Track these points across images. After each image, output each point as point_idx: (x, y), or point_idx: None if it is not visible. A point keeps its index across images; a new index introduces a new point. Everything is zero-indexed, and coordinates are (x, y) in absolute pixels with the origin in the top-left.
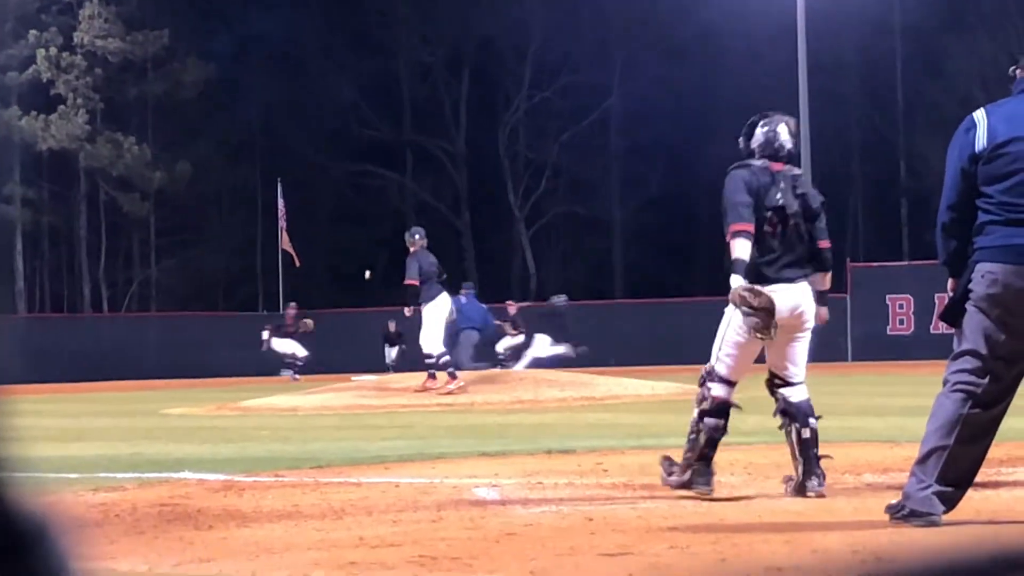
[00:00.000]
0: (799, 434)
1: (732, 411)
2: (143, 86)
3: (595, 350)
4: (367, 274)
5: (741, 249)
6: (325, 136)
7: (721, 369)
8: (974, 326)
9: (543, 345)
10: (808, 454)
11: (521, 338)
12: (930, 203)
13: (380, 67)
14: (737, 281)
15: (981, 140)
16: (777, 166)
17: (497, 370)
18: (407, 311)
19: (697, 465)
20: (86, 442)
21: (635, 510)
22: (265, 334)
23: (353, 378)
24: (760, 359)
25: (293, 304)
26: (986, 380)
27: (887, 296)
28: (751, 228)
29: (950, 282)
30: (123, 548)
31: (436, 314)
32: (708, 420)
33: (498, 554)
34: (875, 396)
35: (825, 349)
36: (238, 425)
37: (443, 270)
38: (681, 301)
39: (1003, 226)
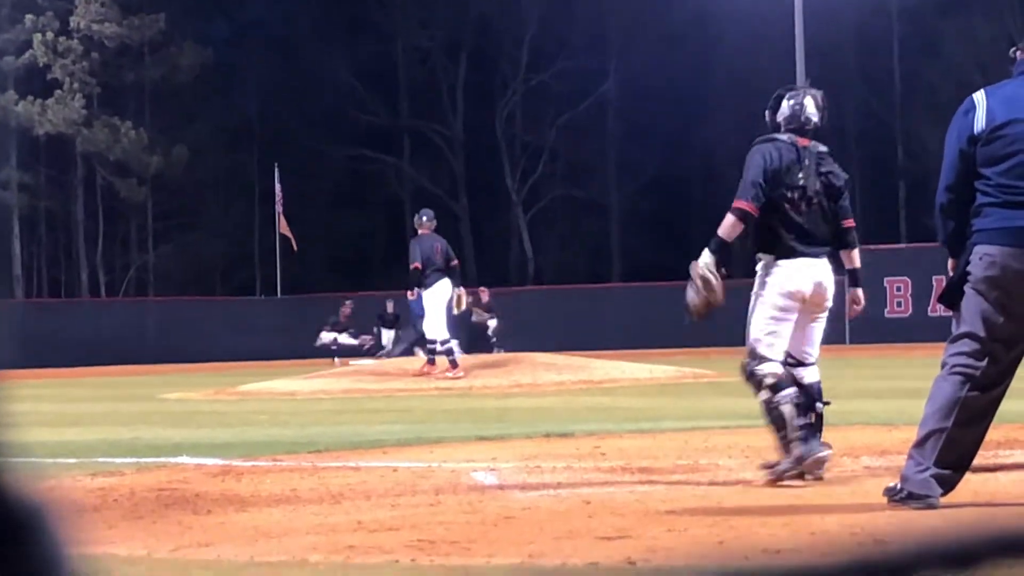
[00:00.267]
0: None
1: (731, 395)
2: (140, 71)
3: (593, 333)
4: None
5: (730, 228)
6: (322, 121)
7: (765, 351)
8: (972, 308)
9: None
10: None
11: (495, 321)
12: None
13: (377, 52)
14: (706, 257)
15: (980, 122)
16: (803, 141)
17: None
18: (410, 294)
19: (802, 433)
20: (84, 427)
21: (633, 494)
22: (326, 336)
23: (351, 362)
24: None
25: (348, 302)
26: (984, 363)
27: (885, 279)
28: (753, 211)
29: (950, 262)
30: (121, 533)
31: (434, 300)
32: (782, 393)
33: (496, 538)
34: (873, 379)
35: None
36: (236, 410)
37: (452, 255)
38: (679, 284)
39: (1001, 208)
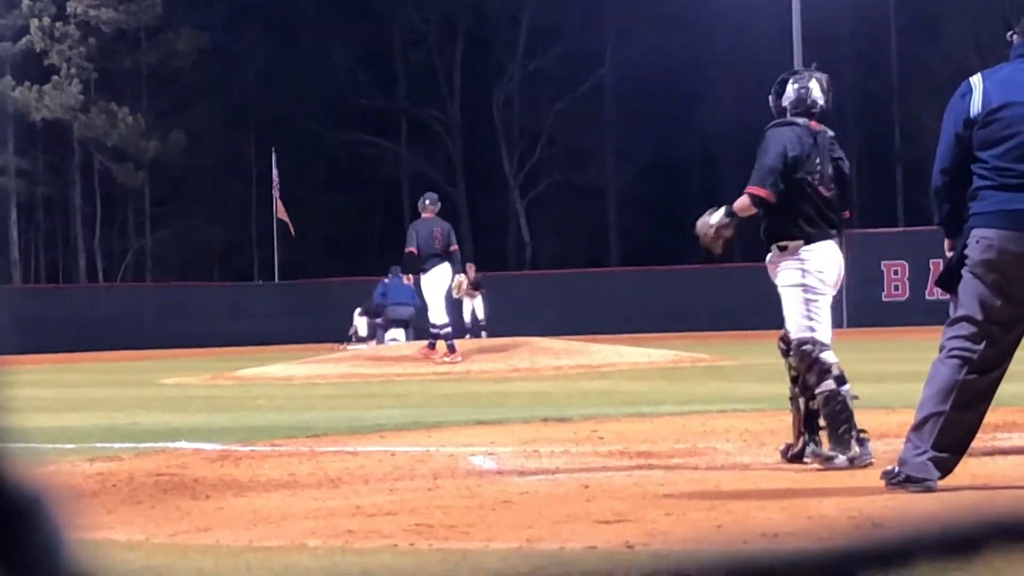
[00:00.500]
0: (807, 405)
1: (728, 379)
2: (137, 56)
3: (591, 318)
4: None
5: (744, 208)
6: (319, 105)
7: (823, 337)
8: (970, 292)
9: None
10: (813, 425)
11: (480, 299)
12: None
13: (374, 35)
14: (719, 214)
15: (976, 105)
16: (815, 126)
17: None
18: (405, 279)
19: (858, 434)
20: (82, 412)
21: (631, 477)
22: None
23: (348, 347)
24: (773, 324)
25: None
26: (982, 346)
27: (882, 262)
28: (770, 197)
29: (947, 242)
30: (120, 518)
31: (434, 285)
32: (846, 387)
33: (494, 522)
34: (870, 362)
35: None
36: (234, 395)
37: (453, 240)
38: (676, 269)
39: (998, 191)
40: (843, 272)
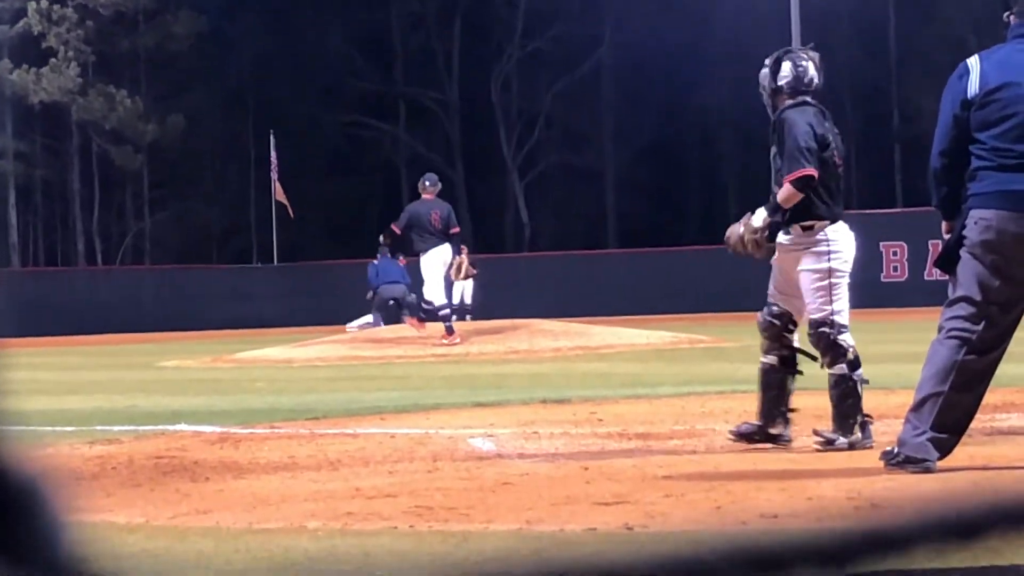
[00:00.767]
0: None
1: (727, 360)
2: (135, 39)
3: (589, 299)
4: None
5: (793, 197)
6: (317, 88)
7: (844, 319)
8: (968, 273)
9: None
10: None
11: (470, 283)
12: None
13: (372, 17)
14: (761, 215)
15: (974, 86)
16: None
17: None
18: (378, 257)
19: (862, 419)
20: (82, 395)
21: (630, 459)
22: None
23: (347, 327)
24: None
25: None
26: (981, 326)
27: (881, 243)
28: (816, 174)
29: (944, 224)
30: (120, 501)
31: (432, 266)
32: (859, 371)
33: (494, 504)
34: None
35: None
36: (234, 377)
37: (454, 223)
38: (674, 250)
39: (996, 172)
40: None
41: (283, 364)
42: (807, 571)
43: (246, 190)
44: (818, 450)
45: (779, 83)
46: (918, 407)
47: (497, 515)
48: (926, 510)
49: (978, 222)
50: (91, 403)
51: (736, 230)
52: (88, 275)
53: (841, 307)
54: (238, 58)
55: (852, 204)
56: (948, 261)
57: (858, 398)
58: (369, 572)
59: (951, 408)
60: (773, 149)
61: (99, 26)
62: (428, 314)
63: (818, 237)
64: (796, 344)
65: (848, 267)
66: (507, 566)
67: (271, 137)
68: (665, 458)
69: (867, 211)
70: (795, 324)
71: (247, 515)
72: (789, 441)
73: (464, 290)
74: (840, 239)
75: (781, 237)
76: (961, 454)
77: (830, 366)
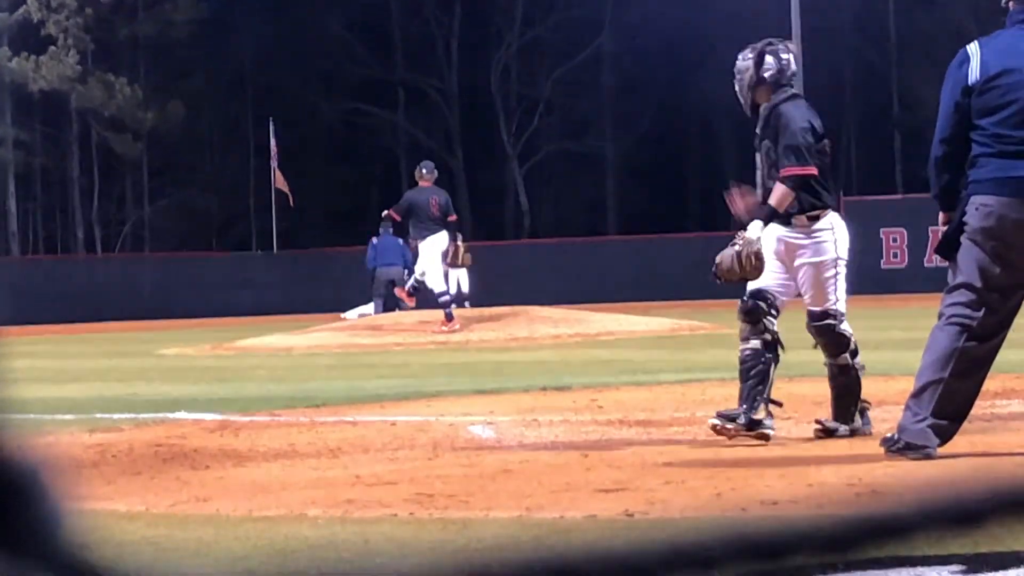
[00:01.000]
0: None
1: (727, 347)
2: (134, 26)
3: (589, 286)
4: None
5: (787, 198)
6: (317, 75)
7: (842, 307)
8: (969, 259)
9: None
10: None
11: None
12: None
13: (371, 4)
14: (758, 230)
15: (974, 73)
16: None
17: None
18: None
19: (861, 406)
20: (81, 383)
21: (630, 446)
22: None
23: (345, 316)
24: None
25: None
26: (981, 313)
27: (881, 229)
28: (815, 172)
29: (941, 216)
30: (120, 489)
31: (430, 253)
32: (859, 360)
33: (494, 491)
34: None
35: None
36: (233, 365)
37: (451, 210)
38: (674, 237)
39: (996, 158)
40: None
41: (283, 352)
42: (808, 558)
43: (246, 177)
44: (819, 437)
45: (763, 74)
46: (918, 394)
47: (497, 502)
48: (926, 497)
49: (979, 208)
50: (91, 391)
51: (729, 253)
52: (88, 263)
53: (841, 295)
54: (237, 46)
55: (852, 190)
56: (948, 248)
57: (859, 386)
58: (369, 559)
59: (951, 395)
60: (765, 143)
61: (98, 13)
62: (416, 291)
63: (823, 226)
64: (776, 330)
65: (847, 255)
66: (507, 553)
67: (271, 124)
68: (665, 445)
69: (867, 197)
70: (778, 311)
71: (247, 503)
72: (772, 431)
73: (460, 278)
74: (840, 228)
75: (780, 229)
76: (961, 441)
77: (834, 357)
